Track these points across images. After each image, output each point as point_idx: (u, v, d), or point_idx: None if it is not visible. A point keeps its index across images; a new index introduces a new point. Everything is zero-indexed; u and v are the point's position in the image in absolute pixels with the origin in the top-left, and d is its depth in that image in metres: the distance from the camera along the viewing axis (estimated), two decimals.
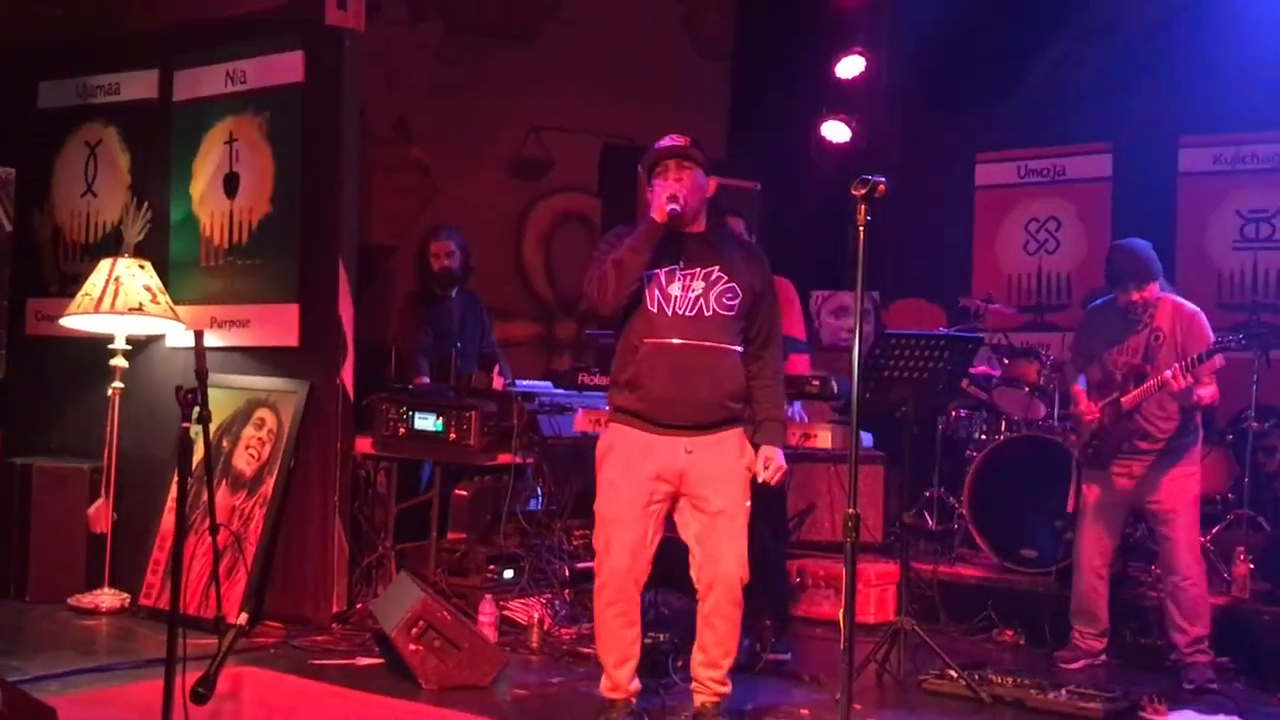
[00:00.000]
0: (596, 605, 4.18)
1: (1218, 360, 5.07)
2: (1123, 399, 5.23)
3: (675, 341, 4.07)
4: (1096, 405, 5.34)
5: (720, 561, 4.11)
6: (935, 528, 7.03)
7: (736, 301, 4.13)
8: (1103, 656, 5.48)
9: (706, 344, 4.08)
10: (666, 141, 4.19)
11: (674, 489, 4.13)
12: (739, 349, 4.18)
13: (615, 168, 8.44)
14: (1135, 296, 5.21)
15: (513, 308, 8.39)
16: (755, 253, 4.35)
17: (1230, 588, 5.82)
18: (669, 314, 4.08)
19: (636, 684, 4.23)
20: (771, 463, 4.16)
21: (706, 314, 4.09)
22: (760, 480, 4.17)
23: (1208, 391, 5.12)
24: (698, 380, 4.08)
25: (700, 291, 4.10)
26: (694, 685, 4.24)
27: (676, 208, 4.04)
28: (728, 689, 4.23)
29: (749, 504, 4.19)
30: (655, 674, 4.65)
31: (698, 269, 4.12)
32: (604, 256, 4.12)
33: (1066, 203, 8.36)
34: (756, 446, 4.19)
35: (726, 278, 4.12)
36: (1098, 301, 5.63)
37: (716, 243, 4.22)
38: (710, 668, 4.18)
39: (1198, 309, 5.31)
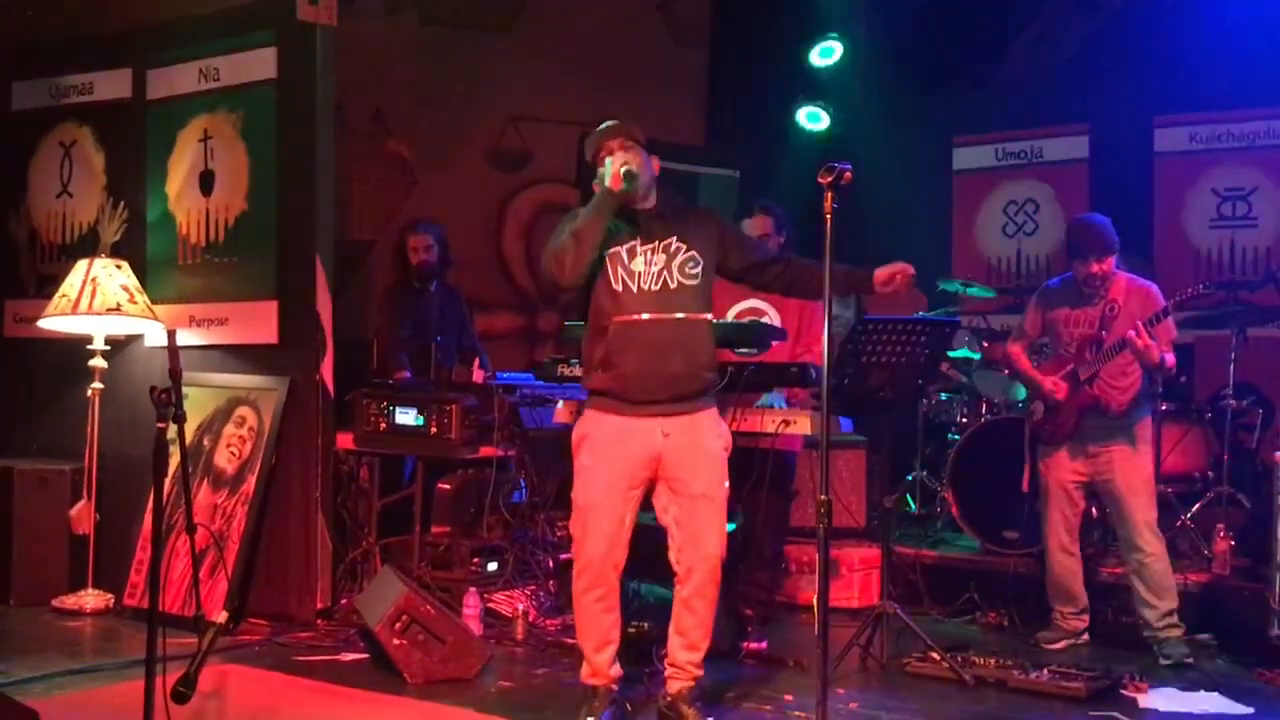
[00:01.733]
0: (575, 591, 4.20)
1: (1173, 329, 5.25)
2: (1079, 369, 5.31)
3: (644, 317, 4.09)
4: (1057, 381, 5.40)
5: (702, 544, 4.13)
6: (918, 511, 7.06)
7: (699, 269, 4.17)
8: (1085, 636, 5.52)
9: (676, 316, 4.11)
10: (604, 126, 4.25)
11: (651, 474, 4.15)
12: (708, 316, 4.21)
13: None
14: (1095, 268, 5.31)
15: (494, 299, 8.38)
16: (704, 213, 4.39)
17: (1211, 564, 5.87)
18: (635, 290, 4.11)
19: (617, 669, 4.24)
20: (893, 266, 4.21)
21: (672, 285, 4.12)
22: (905, 278, 4.22)
23: (1170, 356, 5.23)
24: (670, 354, 4.09)
25: (663, 264, 4.13)
26: (670, 671, 4.24)
27: (633, 169, 4.07)
28: (703, 673, 4.25)
29: (727, 485, 4.21)
30: (639, 662, 4.66)
31: (656, 242, 4.15)
32: (561, 231, 4.15)
33: (1044, 185, 8.38)
34: (863, 287, 4.31)
35: (685, 247, 4.16)
36: (1053, 280, 5.70)
37: (669, 214, 4.24)
38: (690, 650, 4.19)
39: (1151, 283, 5.42)
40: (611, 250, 4.13)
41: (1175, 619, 5.28)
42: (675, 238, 4.17)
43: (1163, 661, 5.16)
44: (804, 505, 6.22)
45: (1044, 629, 5.57)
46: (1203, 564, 5.93)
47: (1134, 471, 5.33)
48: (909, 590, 6.05)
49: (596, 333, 4.18)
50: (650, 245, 4.15)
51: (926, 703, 4.64)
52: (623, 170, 4.06)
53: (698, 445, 4.14)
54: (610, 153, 4.16)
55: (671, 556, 4.19)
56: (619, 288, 4.12)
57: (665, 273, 4.13)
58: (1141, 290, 5.36)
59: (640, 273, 4.12)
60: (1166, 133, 7.89)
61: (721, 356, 4.42)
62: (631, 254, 4.14)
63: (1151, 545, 5.29)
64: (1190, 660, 5.16)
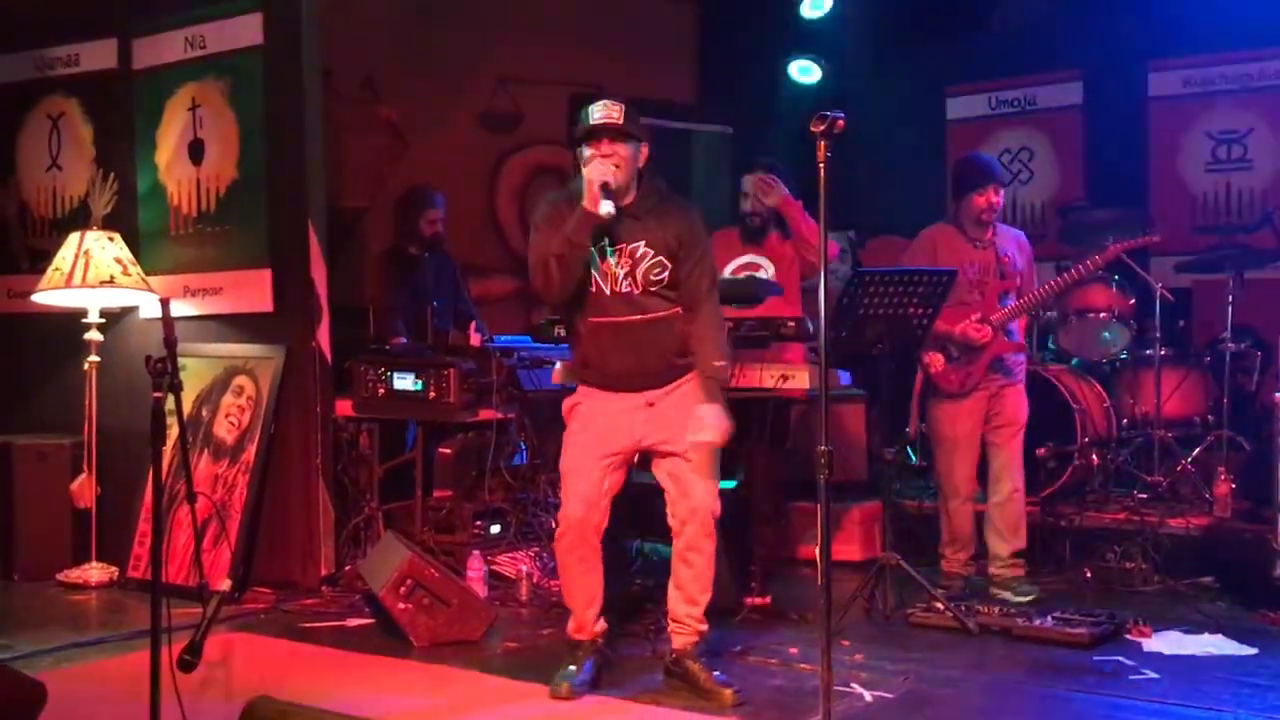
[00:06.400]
0: (558, 551, 4.28)
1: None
2: (991, 315, 5.37)
3: (615, 320, 4.15)
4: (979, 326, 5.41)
5: (690, 496, 4.15)
6: (918, 464, 7.05)
7: (666, 273, 4.15)
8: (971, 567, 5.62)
9: (645, 317, 4.15)
10: (600, 115, 4.09)
11: (632, 442, 4.20)
12: (677, 309, 4.18)
13: None
14: (995, 198, 5.43)
15: (489, 264, 8.34)
16: (675, 208, 4.21)
17: (1212, 508, 5.88)
18: (607, 292, 4.14)
19: (602, 624, 4.32)
20: (702, 424, 4.04)
21: (638, 291, 4.14)
22: (689, 439, 4.05)
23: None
24: (642, 351, 4.16)
25: (629, 268, 4.12)
26: (673, 626, 4.27)
27: (611, 209, 3.98)
28: (706, 627, 4.27)
29: (715, 439, 4.14)
30: (642, 619, 4.67)
31: (624, 245, 4.12)
32: (543, 239, 4.09)
33: (1038, 132, 8.34)
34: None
35: (652, 252, 4.13)
36: (930, 229, 5.68)
37: (643, 214, 4.15)
38: (689, 604, 4.22)
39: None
40: None
41: (1021, 560, 5.43)
42: (643, 242, 4.12)
43: (1018, 599, 5.25)
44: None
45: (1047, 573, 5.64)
46: (1204, 507, 5.95)
47: (1021, 409, 5.49)
48: (911, 542, 6.05)
49: (575, 331, 4.28)
50: (619, 248, 4.12)
51: (931, 652, 4.65)
52: (603, 207, 3.96)
53: (682, 408, 4.15)
54: (598, 145, 4.06)
55: (668, 512, 4.23)
56: (593, 289, 4.15)
57: (631, 278, 4.13)
58: (1020, 239, 5.63)
59: (610, 275, 4.13)
60: (1160, 77, 7.84)
61: None
62: (602, 254, 4.13)
63: (1020, 482, 5.45)
64: (1036, 594, 5.28)
